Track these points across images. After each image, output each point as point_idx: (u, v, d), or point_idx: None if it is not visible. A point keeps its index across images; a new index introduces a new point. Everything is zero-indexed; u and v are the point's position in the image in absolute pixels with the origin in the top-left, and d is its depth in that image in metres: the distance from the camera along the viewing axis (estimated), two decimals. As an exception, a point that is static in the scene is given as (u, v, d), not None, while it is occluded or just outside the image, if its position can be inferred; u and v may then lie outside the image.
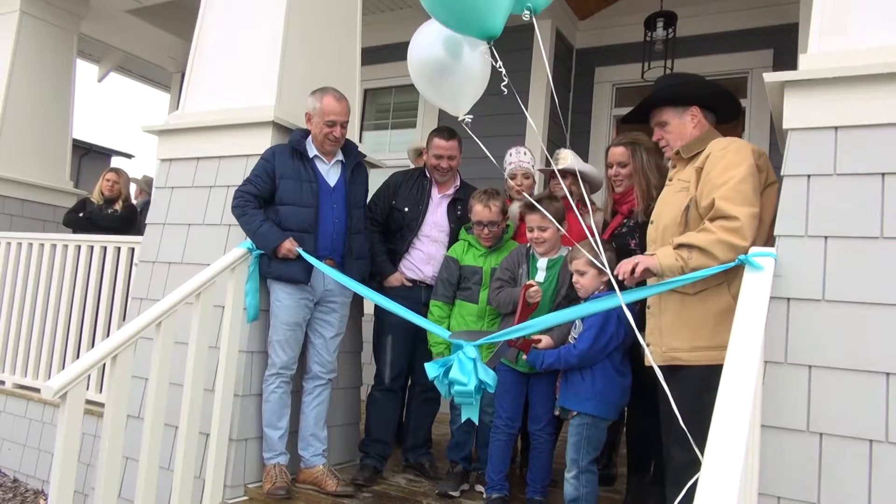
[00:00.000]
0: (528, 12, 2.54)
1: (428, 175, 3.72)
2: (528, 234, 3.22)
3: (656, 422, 2.61)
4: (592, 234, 2.56)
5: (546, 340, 2.95)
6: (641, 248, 2.90)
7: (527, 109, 5.74)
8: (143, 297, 3.70)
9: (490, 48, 2.55)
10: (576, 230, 3.24)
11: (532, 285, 2.95)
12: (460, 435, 3.43)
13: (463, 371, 2.51)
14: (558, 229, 3.13)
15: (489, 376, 2.52)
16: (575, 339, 2.91)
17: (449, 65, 2.72)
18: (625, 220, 3.19)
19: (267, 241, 3.17)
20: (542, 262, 3.19)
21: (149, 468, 2.74)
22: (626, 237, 3.14)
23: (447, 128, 3.71)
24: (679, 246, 2.26)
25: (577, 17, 6.00)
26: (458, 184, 3.77)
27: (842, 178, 2.19)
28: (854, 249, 2.12)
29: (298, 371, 3.36)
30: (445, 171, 3.65)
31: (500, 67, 2.50)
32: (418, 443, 3.68)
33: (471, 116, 2.78)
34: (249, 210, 3.23)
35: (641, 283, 2.44)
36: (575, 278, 2.95)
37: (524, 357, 3.02)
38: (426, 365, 2.63)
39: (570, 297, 3.08)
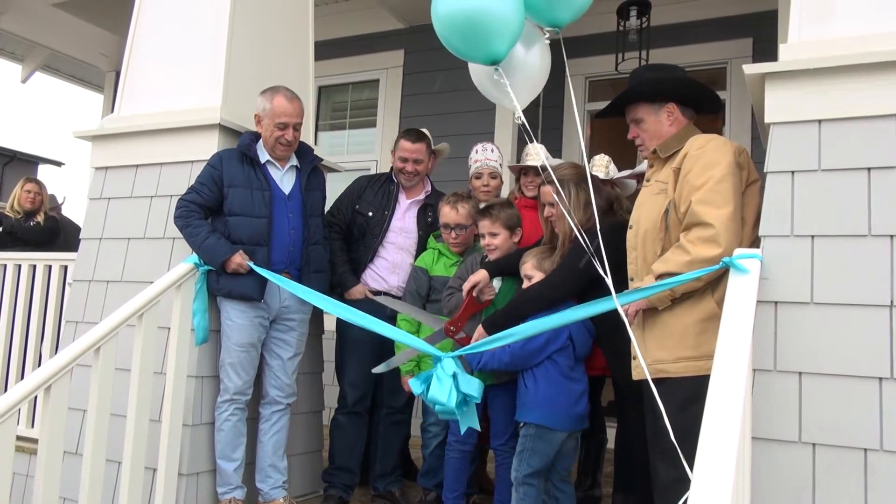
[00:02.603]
0: (554, 30, 2.64)
1: (395, 179, 3.73)
2: (481, 241, 3.27)
3: (640, 437, 2.64)
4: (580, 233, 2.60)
5: (479, 332, 2.99)
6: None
7: (494, 106, 5.80)
8: (79, 321, 3.63)
9: (498, 69, 2.62)
10: (538, 231, 3.30)
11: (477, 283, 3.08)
12: (433, 460, 3.43)
13: (441, 388, 2.51)
14: (511, 236, 3.21)
15: (472, 387, 2.52)
16: None
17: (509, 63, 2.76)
18: None
19: (214, 255, 3.14)
20: None
21: (89, 509, 2.68)
22: None
23: (416, 130, 3.73)
24: (660, 276, 2.33)
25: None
26: (429, 189, 3.79)
27: (827, 173, 2.25)
28: (842, 249, 2.18)
29: (254, 396, 3.32)
30: (411, 175, 3.66)
31: (508, 88, 2.57)
32: (387, 470, 3.67)
33: (522, 119, 2.81)
34: (194, 221, 3.19)
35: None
36: (525, 284, 3.01)
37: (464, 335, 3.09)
38: (409, 382, 2.63)
39: None
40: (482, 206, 3.36)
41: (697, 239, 2.28)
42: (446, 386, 2.49)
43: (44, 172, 21.18)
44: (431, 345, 2.89)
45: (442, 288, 3.43)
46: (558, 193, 2.90)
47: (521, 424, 2.94)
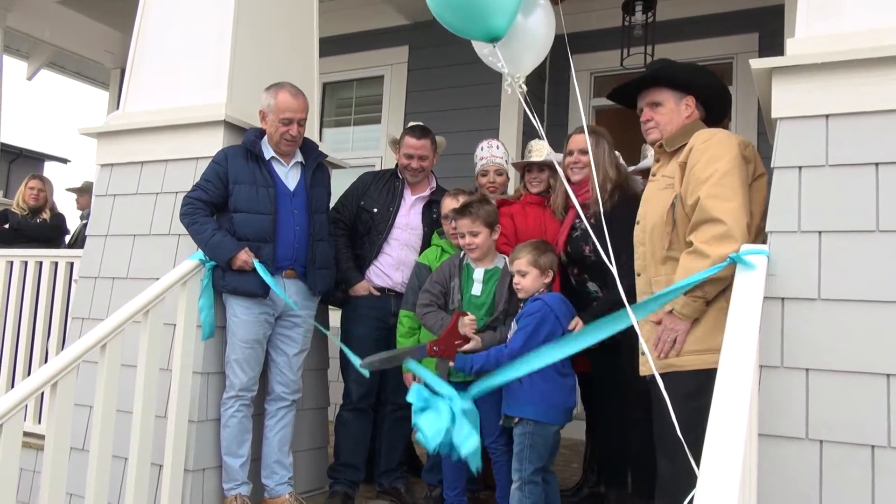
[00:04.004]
0: None
1: (400, 175, 3.72)
2: (460, 241, 3.21)
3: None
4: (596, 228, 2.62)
5: (474, 342, 2.97)
6: (596, 255, 2.94)
7: (499, 102, 5.79)
8: (85, 317, 3.63)
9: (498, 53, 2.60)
10: (542, 228, 3.30)
11: (466, 314, 3.01)
12: (437, 456, 3.42)
13: (435, 424, 2.01)
14: (491, 234, 3.15)
15: (467, 443, 1.96)
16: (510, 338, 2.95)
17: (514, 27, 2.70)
18: (577, 223, 3.22)
19: (220, 252, 3.13)
20: (478, 274, 3.20)
21: (96, 505, 2.69)
22: (580, 242, 3.19)
23: (420, 126, 3.71)
24: (689, 291, 2.29)
25: (550, 1, 6.04)
26: (434, 186, 3.77)
27: (834, 168, 2.23)
28: (849, 244, 2.16)
29: (260, 392, 3.32)
30: (416, 171, 3.65)
31: (502, 68, 2.56)
32: (392, 466, 3.66)
33: (523, 89, 2.76)
34: (200, 218, 3.19)
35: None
36: (516, 279, 2.99)
37: (451, 363, 2.98)
38: (413, 387, 2.56)
39: (509, 313, 3.10)
40: (459, 205, 3.25)
41: (712, 238, 2.26)
42: (442, 425, 1.99)
43: (50, 169, 21.19)
44: (413, 359, 2.75)
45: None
46: (597, 144, 3.06)
47: (515, 421, 2.92)
